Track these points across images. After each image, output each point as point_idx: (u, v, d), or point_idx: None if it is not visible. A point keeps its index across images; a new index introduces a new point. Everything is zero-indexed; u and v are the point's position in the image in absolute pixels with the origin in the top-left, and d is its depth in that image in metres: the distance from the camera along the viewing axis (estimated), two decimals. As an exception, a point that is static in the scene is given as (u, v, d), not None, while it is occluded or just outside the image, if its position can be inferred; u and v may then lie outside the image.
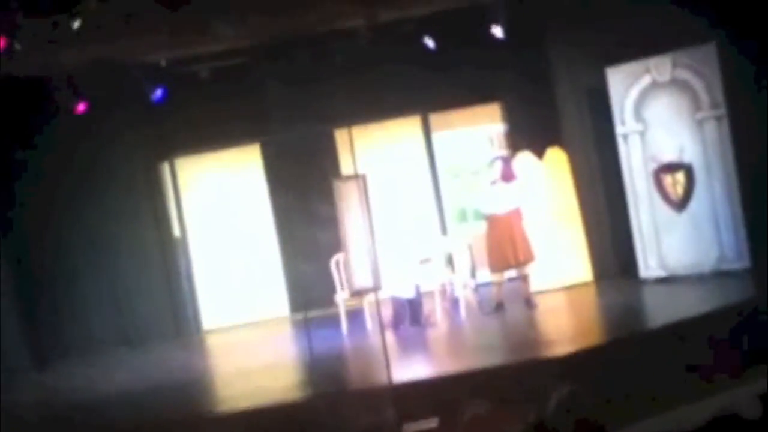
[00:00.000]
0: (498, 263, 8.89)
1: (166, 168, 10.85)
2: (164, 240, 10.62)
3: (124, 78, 9.34)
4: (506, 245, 8.79)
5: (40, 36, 7.30)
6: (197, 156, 10.82)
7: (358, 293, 8.34)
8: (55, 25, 7.26)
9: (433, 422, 4.64)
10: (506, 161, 9.17)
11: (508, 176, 8.91)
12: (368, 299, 8.82)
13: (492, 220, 8.92)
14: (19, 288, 9.84)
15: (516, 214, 8.88)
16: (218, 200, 10.88)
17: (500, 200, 8.84)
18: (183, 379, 8.30)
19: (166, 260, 10.57)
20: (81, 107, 9.22)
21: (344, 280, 8.93)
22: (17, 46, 7.18)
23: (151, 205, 10.56)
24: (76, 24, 7.26)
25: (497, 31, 9.21)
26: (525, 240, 8.87)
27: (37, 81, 8.83)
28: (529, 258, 8.86)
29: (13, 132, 9.50)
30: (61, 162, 10.05)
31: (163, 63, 9.38)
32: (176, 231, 10.84)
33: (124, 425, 6.90)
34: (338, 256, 8.98)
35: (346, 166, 10.19)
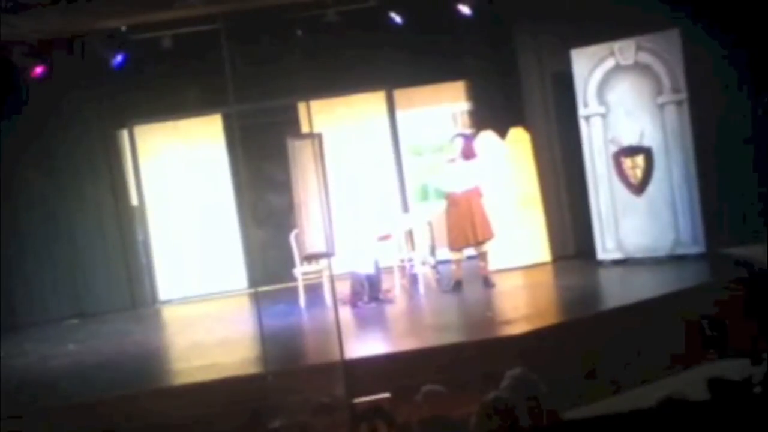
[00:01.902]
0: (457, 241, 8.91)
1: (124, 135, 10.68)
2: (121, 209, 10.48)
3: (83, 43, 9.16)
4: (465, 224, 8.80)
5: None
6: (157, 124, 10.66)
7: (309, 258, 8.20)
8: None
9: (384, 397, 4.64)
10: (467, 139, 9.15)
11: (468, 154, 8.90)
12: (326, 274, 8.79)
13: (451, 199, 8.92)
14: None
15: (475, 193, 8.88)
16: (178, 170, 10.73)
17: (460, 179, 8.84)
18: (137, 353, 8.23)
19: (123, 230, 10.43)
20: (38, 70, 9.04)
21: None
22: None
23: (108, 173, 10.40)
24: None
25: (464, 9, 9.17)
26: (484, 218, 8.89)
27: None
28: (488, 236, 8.89)
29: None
30: (18, 129, 9.85)
31: (124, 29, 9.19)
32: (134, 200, 10.69)
33: (78, 399, 6.81)
34: (298, 230, 8.92)
35: (308, 140, 10.10)
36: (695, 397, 3.98)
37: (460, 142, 8.93)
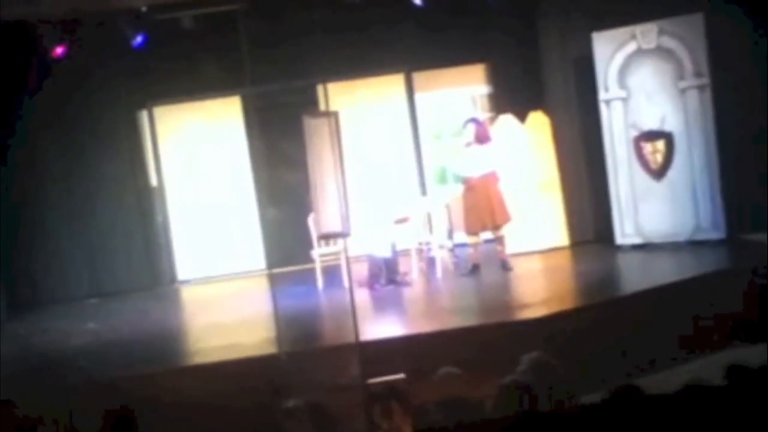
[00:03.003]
0: (474, 225, 8.90)
1: (144, 116, 10.71)
2: (141, 189, 10.53)
3: (104, 23, 9.18)
4: (482, 208, 8.79)
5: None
6: (177, 105, 10.68)
7: (324, 237, 8.19)
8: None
9: (399, 378, 4.65)
10: (479, 124, 9.09)
11: (482, 138, 8.86)
12: (344, 255, 8.80)
13: (468, 184, 8.91)
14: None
15: (492, 177, 8.86)
16: (197, 151, 10.76)
17: (476, 163, 8.81)
18: (156, 332, 8.27)
19: (143, 210, 10.49)
20: (59, 51, 9.07)
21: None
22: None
23: (128, 154, 10.45)
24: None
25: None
26: (501, 203, 8.87)
27: (15, 28, 8.66)
28: (504, 220, 8.87)
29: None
30: (39, 109, 9.91)
31: (144, 9, 9.20)
32: (153, 180, 10.74)
33: (97, 378, 6.87)
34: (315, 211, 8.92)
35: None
36: (715, 383, 3.96)
37: (472, 128, 8.90)
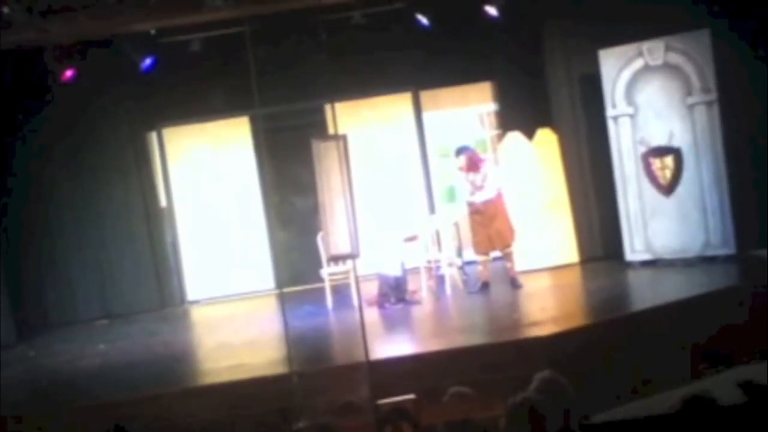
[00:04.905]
0: (482, 246, 8.95)
1: (153, 138, 10.77)
2: (150, 211, 10.56)
3: (113, 47, 9.25)
4: (488, 231, 8.84)
5: (30, 8, 7.20)
6: (186, 127, 10.74)
7: (334, 259, 8.23)
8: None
9: (408, 398, 4.63)
10: (470, 151, 9.05)
11: (472, 167, 8.87)
12: (353, 275, 8.80)
13: (473, 207, 8.95)
14: (4, 260, 9.76)
15: (497, 199, 8.88)
16: (206, 172, 10.80)
17: (476, 189, 8.84)
18: (165, 353, 8.29)
19: (152, 231, 10.51)
20: (68, 74, 9.14)
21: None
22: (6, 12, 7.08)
23: (137, 175, 10.49)
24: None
25: (491, 10, 9.14)
26: (505, 225, 8.89)
27: (26, 52, 8.73)
28: (510, 242, 8.91)
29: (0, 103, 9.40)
30: (48, 131, 9.99)
31: (153, 32, 9.27)
32: (162, 202, 10.78)
33: (107, 399, 6.88)
34: (324, 231, 8.93)
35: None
36: (724, 400, 3.94)
37: (462, 159, 8.91)
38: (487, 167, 8.95)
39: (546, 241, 9.69)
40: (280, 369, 6.97)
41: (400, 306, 8.77)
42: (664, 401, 4.22)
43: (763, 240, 8.54)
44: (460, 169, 8.96)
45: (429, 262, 9.36)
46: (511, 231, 8.90)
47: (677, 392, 4.23)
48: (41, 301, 10.12)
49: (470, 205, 8.98)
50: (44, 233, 10.15)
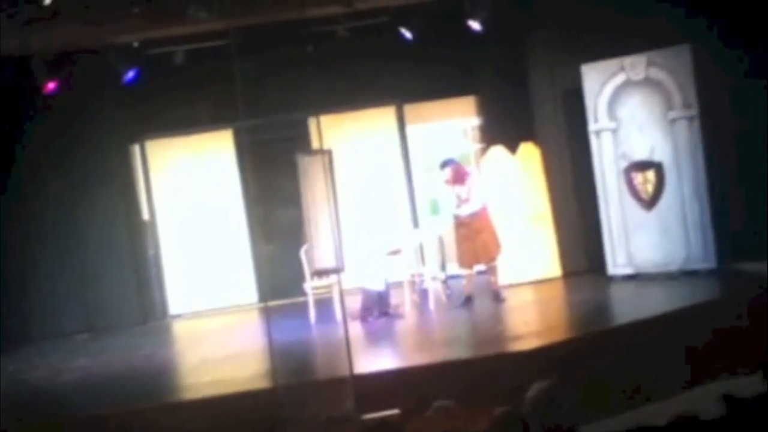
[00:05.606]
0: (467, 260, 8.96)
1: (136, 150, 10.73)
2: (133, 223, 10.52)
3: (96, 59, 9.23)
4: (473, 245, 8.85)
5: (13, 16, 7.17)
6: (169, 139, 10.71)
7: (319, 273, 8.23)
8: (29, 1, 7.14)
9: (393, 413, 4.63)
10: (455, 164, 9.09)
11: (457, 179, 8.91)
12: (336, 288, 8.79)
13: (458, 220, 8.97)
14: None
15: (482, 213, 8.89)
16: (189, 185, 10.77)
17: (462, 202, 8.86)
18: (147, 367, 8.23)
19: (134, 244, 10.47)
20: (51, 86, 9.10)
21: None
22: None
23: (120, 188, 10.45)
24: (48, 0, 7.15)
25: (474, 24, 9.20)
26: (491, 237, 8.91)
27: (7, 63, 8.69)
28: (495, 255, 8.92)
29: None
30: (30, 145, 9.94)
31: (136, 44, 9.26)
32: (145, 214, 10.73)
33: (88, 413, 6.81)
34: (308, 245, 8.93)
35: (318, 155, 10.13)
36: (707, 414, 3.95)
37: (448, 172, 8.93)
38: (472, 180, 8.98)
39: (529, 255, 9.72)
40: (264, 383, 6.94)
41: (382, 320, 8.76)
42: (650, 414, 4.24)
43: (743, 253, 8.60)
44: (446, 181, 8.99)
45: (412, 275, 9.37)
46: (497, 244, 8.93)
47: (664, 404, 4.25)
48: (22, 314, 10.03)
49: (456, 218, 9.00)
50: (25, 246, 10.07)
